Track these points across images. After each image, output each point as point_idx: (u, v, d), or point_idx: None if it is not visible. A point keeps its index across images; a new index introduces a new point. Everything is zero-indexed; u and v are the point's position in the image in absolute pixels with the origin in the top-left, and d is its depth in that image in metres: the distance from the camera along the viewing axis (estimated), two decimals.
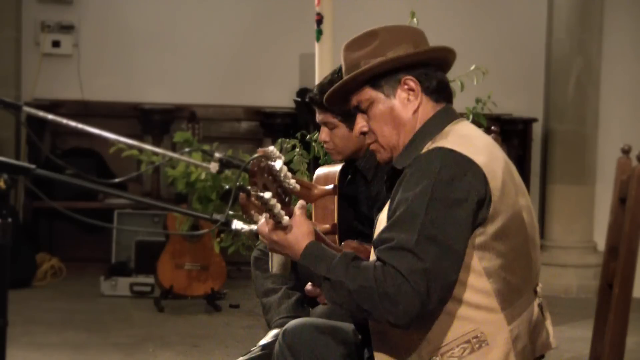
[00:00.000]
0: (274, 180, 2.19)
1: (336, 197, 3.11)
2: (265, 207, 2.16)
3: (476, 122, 4.14)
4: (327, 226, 3.00)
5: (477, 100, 4.20)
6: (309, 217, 3.07)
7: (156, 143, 7.07)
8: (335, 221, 3.12)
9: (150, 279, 6.22)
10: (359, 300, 2.14)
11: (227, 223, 2.34)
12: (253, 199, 2.16)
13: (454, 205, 2.16)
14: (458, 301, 2.21)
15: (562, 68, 7.25)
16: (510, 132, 7.39)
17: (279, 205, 2.18)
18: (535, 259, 2.36)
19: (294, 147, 4.08)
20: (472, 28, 7.56)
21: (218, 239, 4.96)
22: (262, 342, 3.54)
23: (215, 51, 7.41)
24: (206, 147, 3.57)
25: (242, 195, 2.26)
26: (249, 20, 7.46)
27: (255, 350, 3.52)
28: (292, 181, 2.24)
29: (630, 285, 2.46)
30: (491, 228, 2.21)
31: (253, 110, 7.39)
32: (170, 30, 7.40)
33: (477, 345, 2.22)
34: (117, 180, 2.90)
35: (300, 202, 2.31)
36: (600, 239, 6.94)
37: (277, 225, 2.24)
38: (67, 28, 7.27)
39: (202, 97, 7.38)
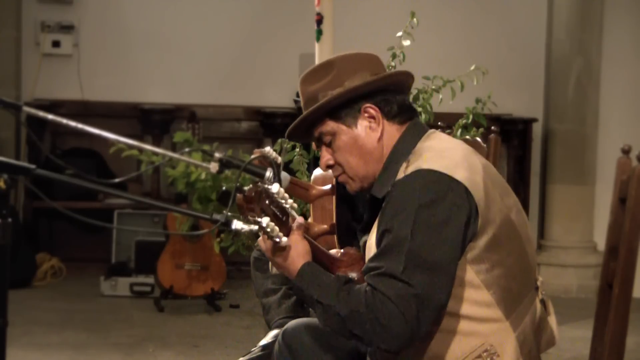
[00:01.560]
0: (270, 202, 2.20)
1: (334, 197, 3.10)
2: (263, 231, 2.18)
3: (476, 122, 4.14)
4: (326, 226, 3.00)
5: (477, 100, 4.19)
6: (306, 218, 3.07)
7: (156, 143, 7.07)
8: (334, 221, 3.11)
9: (150, 279, 6.22)
10: (350, 326, 2.14)
11: (227, 223, 2.34)
12: (251, 221, 2.17)
13: (438, 228, 2.14)
14: (463, 318, 2.20)
15: (562, 68, 7.25)
16: (510, 132, 7.39)
17: (276, 229, 2.18)
18: (531, 254, 2.36)
19: (294, 147, 4.08)
20: (472, 28, 7.57)
21: (218, 239, 4.95)
22: (263, 342, 3.54)
23: (215, 51, 7.41)
24: (206, 147, 3.56)
25: (239, 196, 2.26)
26: (249, 20, 7.46)
27: (256, 351, 3.52)
28: (290, 201, 2.26)
29: (630, 285, 2.45)
30: (483, 240, 2.20)
31: (253, 110, 7.39)
32: (170, 30, 7.40)
33: (488, 359, 2.22)
34: (117, 180, 2.90)
35: (298, 221, 2.30)
36: (600, 239, 6.94)
37: (275, 245, 2.24)
38: (67, 28, 7.27)
39: (202, 97, 7.38)
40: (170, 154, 2.82)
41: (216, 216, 2.36)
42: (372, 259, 2.20)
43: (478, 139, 3.39)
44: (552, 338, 2.40)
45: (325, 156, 2.40)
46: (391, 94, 2.38)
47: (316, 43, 4.68)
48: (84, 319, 5.70)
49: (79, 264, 7.00)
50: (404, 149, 2.33)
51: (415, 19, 4.05)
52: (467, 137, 3.70)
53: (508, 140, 7.38)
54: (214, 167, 2.48)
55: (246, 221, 2.18)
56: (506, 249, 2.25)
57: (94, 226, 6.78)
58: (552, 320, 2.42)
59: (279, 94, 7.32)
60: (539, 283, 2.38)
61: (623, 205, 2.49)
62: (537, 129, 7.53)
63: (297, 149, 4.05)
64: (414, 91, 4.08)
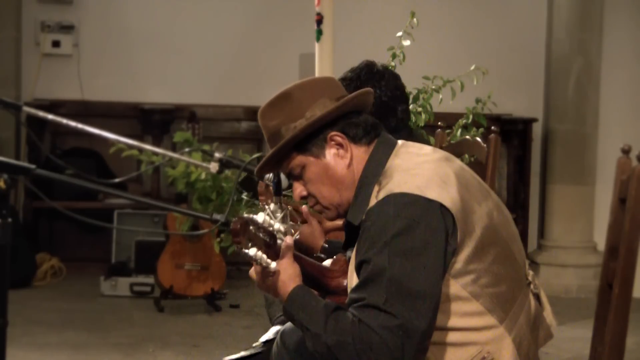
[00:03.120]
0: (257, 229, 2.22)
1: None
2: (251, 261, 2.21)
3: (476, 122, 4.14)
4: (339, 223, 2.98)
5: (477, 100, 4.19)
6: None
7: (156, 143, 7.06)
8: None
9: (150, 279, 6.22)
10: (337, 354, 2.13)
11: (227, 223, 2.34)
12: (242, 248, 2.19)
13: (416, 254, 2.13)
14: (456, 330, 2.20)
15: (562, 68, 7.25)
16: (510, 132, 7.39)
17: (264, 257, 2.21)
18: (518, 251, 2.34)
19: None
20: (472, 28, 7.56)
21: (218, 239, 4.96)
22: (264, 337, 3.54)
23: (215, 51, 7.41)
24: (206, 147, 3.57)
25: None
26: (249, 20, 7.46)
27: (257, 346, 3.51)
28: (277, 225, 2.28)
29: (630, 285, 2.45)
30: (464, 253, 2.19)
31: (253, 110, 7.36)
32: (170, 30, 7.40)
33: None
34: (117, 180, 2.91)
35: (287, 242, 2.30)
36: (600, 239, 6.94)
37: (265, 270, 2.25)
38: (67, 28, 7.27)
39: (202, 97, 7.38)
40: (170, 154, 2.83)
41: (216, 216, 2.36)
42: (354, 290, 2.19)
43: (478, 139, 3.39)
44: (549, 331, 2.40)
45: (298, 188, 2.38)
46: (355, 116, 2.35)
47: (316, 43, 4.68)
48: (84, 319, 5.70)
49: (79, 264, 7.00)
50: (373, 170, 2.31)
51: (415, 19, 4.05)
52: (467, 137, 3.70)
53: (508, 140, 7.38)
54: (214, 167, 2.49)
55: (239, 245, 2.21)
56: (491, 255, 2.23)
57: (94, 226, 6.78)
58: (548, 312, 2.42)
59: None
60: (530, 278, 2.37)
61: (623, 205, 2.48)
62: (537, 129, 7.53)
63: None
64: (414, 91, 4.08)
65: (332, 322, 2.15)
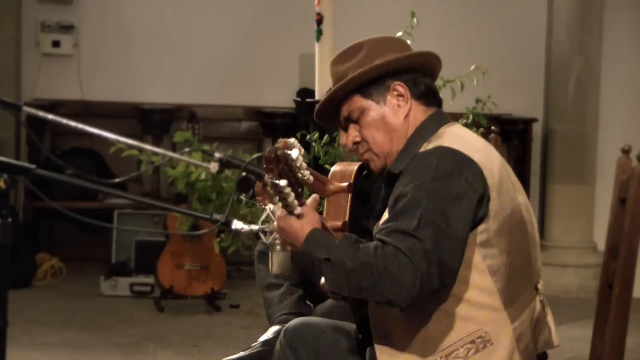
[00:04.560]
0: (289, 170, 2.23)
1: (350, 195, 3.10)
2: (279, 195, 2.19)
3: (476, 122, 4.14)
4: (338, 223, 3.00)
5: (477, 100, 4.19)
6: (321, 212, 3.07)
7: (156, 143, 7.06)
8: (346, 219, 3.11)
9: (150, 279, 6.22)
10: (359, 278, 2.12)
11: (227, 223, 2.34)
12: (268, 187, 2.19)
13: (452, 200, 2.16)
14: (462, 300, 2.21)
15: (562, 68, 7.25)
16: (510, 132, 7.39)
17: (292, 194, 2.21)
18: (535, 257, 2.37)
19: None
20: (472, 28, 7.56)
21: (218, 239, 4.95)
22: (263, 337, 3.54)
23: (215, 51, 7.41)
24: (206, 147, 3.57)
25: (258, 183, 2.27)
26: (249, 20, 7.46)
27: (256, 346, 3.52)
28: (307, 172, 2.27)
29: (630, 285, 2.46)
30: (494, 224, 2.22)
31: (253, 110, 7.39)
32: (170, 30, 7.40)
33: (481, 345, 2.22)
34: (117, 180, 2.90)
35: (314, 196, 2.34)
36: (600, 239, 6.94)
37: (289, 214, 2.26)
38: (67, 28, 7.27)
39: (202, 97, 7.37)
40: (170, 154, 2.83)
41: (216, 216, 2.36)
42: (386, 220, 2.20)
43: None
44: (550, 340, 2.41)
45: (352, 133, 2.43)
46: (419, 75, 2.42)
47: (316, 43, 4.68)
48: (84, 319, 5.70)
49: (79, 264, 7.00)
50: (426, 130, 2.36)
51: (415, 19, 4.05)
52: None
53: (508, 140, 7.38)
54: (214, 167, 2.48)
55: (261, 202, 2.19)
56: (513, 239, 2.26)
57: (94, 226, 6.78)
58: (551, 322, 2.42)
59: (279, 94, 7.32)
60: (539, 286, 2.38)
61: (623, 205, 2.49)
62: (537, 129, 7.53)
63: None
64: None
65: (354, 249, 2.16)
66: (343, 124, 2.46)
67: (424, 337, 2.23)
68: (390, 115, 2.38)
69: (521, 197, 2.36)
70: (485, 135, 3.50)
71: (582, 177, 7.23)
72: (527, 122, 7.47)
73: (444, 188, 2.16)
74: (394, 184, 2.31)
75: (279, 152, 2.21)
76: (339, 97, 2.42)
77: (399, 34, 4.07)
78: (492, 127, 3.46)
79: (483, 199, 2.20)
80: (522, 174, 7.50)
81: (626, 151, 2.56)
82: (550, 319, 2.42)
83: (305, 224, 2.27)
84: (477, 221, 2.20)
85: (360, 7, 7.35)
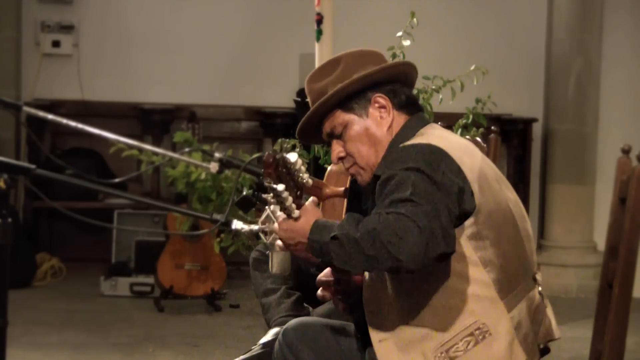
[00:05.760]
0: (287, 173, 2.22)
1: (346, 199, 3.10)
2: (277, 199, 2.18)
3: (476, 122, 4.14)
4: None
5: (477, 100, 4.19)
6: None
7: (156, 143, 7.06)
8: None
9: (150, 279, 6.22)
10: (365, 246, 2.11)
11: (227, 223, 2.34)
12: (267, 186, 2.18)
13: (436, 182, 2.17)
14: (457, 293, 2.22)
15: (562, 68, 7.25)
16: (510, 132, 7.39)
17: (290, 199, 2.21)
18: (531, 249, 2.38)
19: (294, 147, 4.08)
20: (472, 28, 7.56)
21: (218, 239, 4.96)
22: (263, 340, 3.54)
23: (215, 51, 7.41)
24: (206, 147, 3.57)
25: (268, 154, 2.25)
26: (249, 20, 7.46)
27: (256, 349, 3.51)
28: (306, 175, 2.27)
29: (630, 285, 2.46)
30: (481, 217, 2.23)
31: (253, 110, 7.39)
32: (170, 30, 7.40)
33: (480, 337, 2.22)
34: (117, 180, 2.90)
35: (312, 198, 2.33)
36: (600, 239, 6.94)
37: (286, 212, 2.26)
38: (67, 28, 7.27)
39: (202, 97, 7.37)
40: (170, 154, 2.83)
41: (216, 216, 2.36)
42: (378, 204, 2.20)
43: (478, 139, 3.39)
44: (551, 331, 2.41)
45: (337, 149, 2.43)
46: (399, 85, 2.43)
47: (316, 43, 4.69)
48: (84, 319, 5.70)
49: (79, 264, 7.00)
50: (407, 132, 2.38)
51: (415, 19, 4.05)
52: (467, 137, 3.70)
53: (508, 140, 7.38)
54: (214, 167, 2.49)
55: (265, 183, 2.18)
56: (503, 231, 2.27)
57: (94, 226, 6.78)
58: (551, 313, 2.43)
59: (279, 94, 7.32)
60: (538, 277, 2.38)
61: (623, 205, 2.49)
62: (537, 129, 7.53)
63: (297, 149, 4.05)
64: (414, 91, 4.08)
65: (359, 222, 2.15)
66: (326, 140, 2.47)
67: (423, 334, 2.24)
68: (373, 127, 2.39)
69: (509, 193, 2.36)
70: (485, 135, 3.50)
71: (582, 177, 7.23)
72: (527, 122, 7.47)
73: (428, 171, 2.18)
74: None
75: (277, 156, 2.21)
76: (321, 114, 2.42)
77: (399, 34, 4.08)
78: (492, 127, 3.45)
79: (464, 192, 2.21)
80: (522, 174, 7.51)
81: (626, 151, 2.56)
82: (549, 310, 2.43)
83: (309, 216, 2.26)
84: (464, 215, 2.21)
85: (360, 7, 7.34)
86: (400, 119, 2.41)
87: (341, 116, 2.40)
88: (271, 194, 2.19)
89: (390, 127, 2.39)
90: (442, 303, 2.22)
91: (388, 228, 2.08)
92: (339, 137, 2.42)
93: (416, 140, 2.30)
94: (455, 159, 2.23)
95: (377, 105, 2.39)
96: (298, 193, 2.27)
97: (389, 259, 2.09)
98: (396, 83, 2.42)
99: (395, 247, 2.07)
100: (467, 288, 2.22)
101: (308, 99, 2.47)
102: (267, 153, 2.22)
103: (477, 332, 2.22)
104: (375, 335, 2.32)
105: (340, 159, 2.43)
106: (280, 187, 2.17)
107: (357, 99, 2.40)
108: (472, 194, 2.22)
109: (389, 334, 2.28)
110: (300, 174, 2.25)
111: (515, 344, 2.24)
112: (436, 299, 2.22)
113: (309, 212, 2.27)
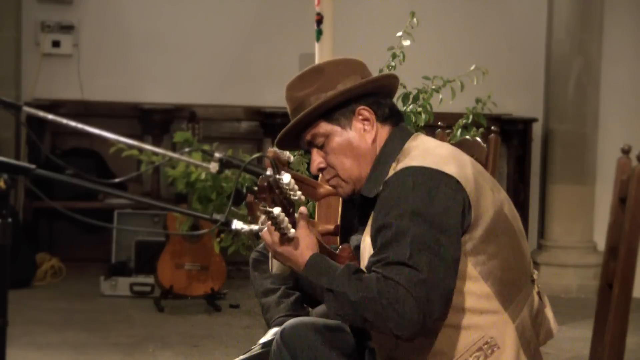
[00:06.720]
0: (280, 193, 2.23)
1: (341, 198, 3.10)
2: (273, 221, 2.19)
3: (476, 122, 4.14)
4: (330, 227, 3.00)
5: (477, 100, 4.19)
6: (312, 216, 3.06)
7: (156, 143, 7.06)
8: (339, 222, 3.11)
9: (150, 279, 6.22)
10: (362, 311, 2.13)
11: (227, 223, 2.34)
12: (261, 213, 2.19)
13: (437, 219, 2.15)
14: (462, 310, 2.21)
15: (562, 68, 7.25)
16: (510, 132, 7.39)
17: (286, 220, 2.20)
18: (525, 247, 2.38)
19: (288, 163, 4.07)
20: (472, 28, 7.56)
21: (218, 239, 4.96)
22: (263, 340, 3.54)
23: (215, 51, 7.41)
24: (206, 147, 3.56)
25: (249, 195, 2.27)
26: (249, 20, 7.46)
27: (256, 349, 3.51)
28: (299, 193, 2.27)
29: (630, 285, 2.45)
30: (477, 232, 2.22)
31: (253, 110, 7.39)
32: (170, 31, 7.40)
33: (489, 351, 2.22)
34: (117, 180, 2.90)
35: (302, 210, 2.31)
36: (600, 239, 6.94)
37: (283, 237, 2.25)
38: (67, 28, 7.27)
39: (202, 97, 7.37)
40: (170, 154, 2.82)
41: (216, 216, 2.36)
42: (375, 253, 2.19)
43: (478, 139, 3.39)
44: (550, 330, 2.41)
45: (317, 159, 2.40)
46: (382, 97, 2.41)
47: (316, 43, 4.69)
48: (84, 319, 5.70)
49: (79, 264, 7.00)
50: (392, 148, 2.35)
51: (415, 19, 4.06)
52: (467, 137, 3.70)
53: (508, 140, 7.38)
54: (214, 167, 2.48)
55: (253, 216, 2.19)
56: (501, 240, 2.26)
57: (94, 226, 6.78)
58: (549, 312, 2.43)
59: (279, 94, 7.15)
60: (535, 276, 2.39)
61: (623, 205, 2.48)
62: (537, 129, 7.53)
63: (296, 156, 4.05)
64: (414, 91, 4.08)
65: (356, 281, 2.15)
66: (306, 149, 2.45)
67: (431, 353, 2.23)
68: (357, 140, 2.36)
69: (500, 193, 2.35)
70: (485, 136, 3.50)
71: (582, 177, 7.23)
72: (527, 122, 7.47)
73: (427, 209, 2.15)
74: (368, 206, 2.31)
75: (270, 180, 2.21)
76: (303, 125, 2.39)
77: (399, 34, 4.08)
78: (492, 127, 3.45)
79: (465, 208, 2.19)
80: (522, 174, 7.51)
81: (626, 151, 2.55)
82: (548, 309, 2.43)
83: (304, 248, 2.26)
84: (462, 232, 2.20)
85: (360, 7, 7.34)
86: (383, 132, 2.38)
87: (324, 127, 2.37)
88: (266, 217, 2.20)
89: (374, 140, 2.36)
90: (449, 322, 2.21)
91: (386, 299, 2.08)
92: (320, 147, 2.39)
93: (406, 161, 2.26)
94: (451, 174, 2.21)
95: (360, 117, 2.37)
96: (291, 211, 2.27)
97: (383, 328, 2.13)
98: (379, 95, 2.40)
99: (391, 320, 2.09)
100: (471, 304, 2.21)
101: (287, 107, 2.43)
102: (260, 177, 2.21)
103: (485, 346, 2.22)
104: (383, 356, 2.31)
105: (321, 169, 2.41)
106: (276, 210, 2.17)
107: (342, 110, 2.36)
108: (470, 208, 2.20)
109: (398, 356, 2.28)
110: (293, 192, 2.25)
111: (521, 353, 2.25)
112: (443, 320, 2.21)
113: (304, 238, 2.27)
